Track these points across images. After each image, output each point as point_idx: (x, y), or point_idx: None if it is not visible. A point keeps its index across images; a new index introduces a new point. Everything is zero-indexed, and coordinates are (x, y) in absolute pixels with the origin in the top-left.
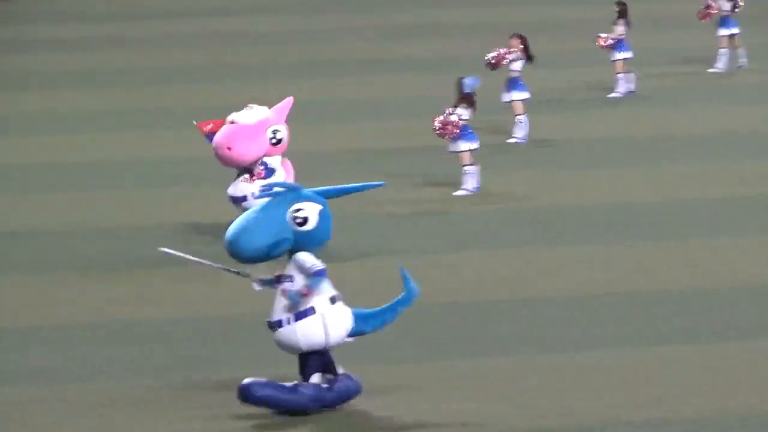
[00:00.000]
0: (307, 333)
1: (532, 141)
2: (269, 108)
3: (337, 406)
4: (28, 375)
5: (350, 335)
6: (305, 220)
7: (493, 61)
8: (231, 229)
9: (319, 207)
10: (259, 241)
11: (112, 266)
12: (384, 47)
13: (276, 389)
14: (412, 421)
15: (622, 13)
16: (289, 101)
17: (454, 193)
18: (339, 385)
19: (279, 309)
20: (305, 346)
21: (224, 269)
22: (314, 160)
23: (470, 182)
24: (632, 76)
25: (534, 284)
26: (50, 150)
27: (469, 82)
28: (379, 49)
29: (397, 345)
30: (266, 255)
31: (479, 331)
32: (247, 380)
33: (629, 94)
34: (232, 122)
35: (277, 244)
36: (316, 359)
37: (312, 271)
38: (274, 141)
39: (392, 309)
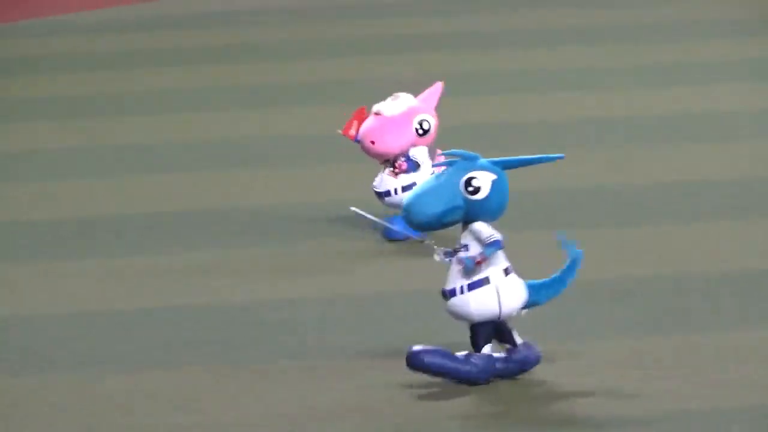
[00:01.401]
0: (480, 303)
1: None
2: (416, 96)
3: (517, 376)
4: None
5: (525, 307)
6: (477, 189)
7: None
8: (409, 195)
9: (493, 177)
10: (433, 207)
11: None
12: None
13: (445, 357)
14: (592, 389)
15: None
16: (437, 87)
17: None
18: (516, 356)
19: (453, 277)
20: (477, 317)
21: (407, 236)
22: (492, 132)
23: None
24: None
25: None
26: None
27: None
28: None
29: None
30: (439, 222)
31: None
32: (416, 347)
33: None
34: (376, 113)
35: (449, 211)
36: (487, 330)
37: (488, 240)
38: (420, 132)
39: (562, 278)
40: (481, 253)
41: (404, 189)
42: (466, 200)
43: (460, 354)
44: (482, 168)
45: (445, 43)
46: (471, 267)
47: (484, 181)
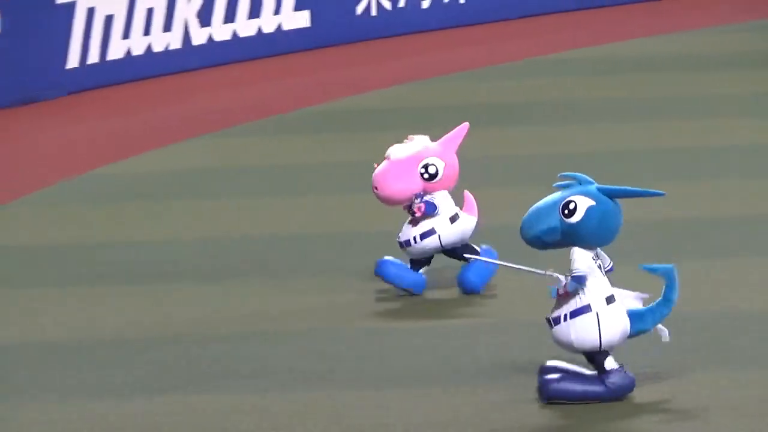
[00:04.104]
0: (581, 331)
1: None
2: (435, 139)
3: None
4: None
5: (631, 335)
6: (571, 212)
7: None
8: (525, 215)
9: (591, 203)
10: (535, 227)
11: None
12: None
13: (573, 382)
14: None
15: None
16: (462, 129)
17: None
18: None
19: (558, 305)
20: (578, 345)
21: (528, 271)
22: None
23: None
24: None
25: None
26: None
27: None
28: None
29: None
30: (540, 241)
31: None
32: (547, 376)
33: None
34: (387, 157)
35: (546, 232)
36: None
37: (573, 272)
38: (426, 176)
39: (665, 301)
40: (564, 285)
41: (422, 237)
42: (563, 222)
43: (589, 372)
44: (584, 193)
45: None
46: (553, 296)
47: (581, 205)
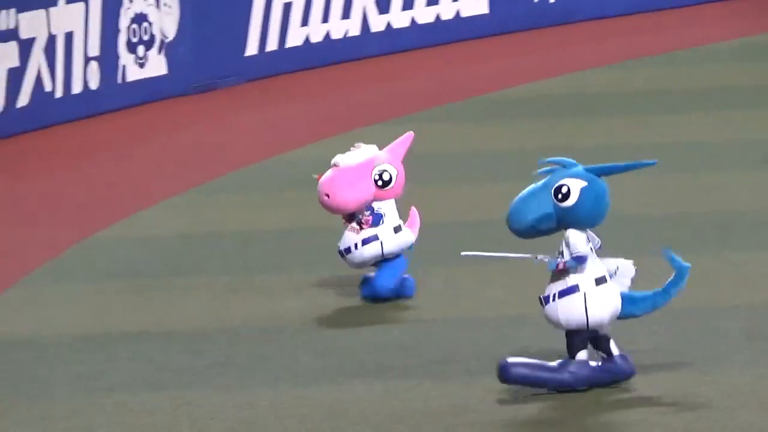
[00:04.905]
0: (568, 311)
1: None
2: (382, 147)
3: (611, 385)
4: None
5: (619, 317)
6: (566, 196)
7: None
8: (510, 205)
9: (583, 183)
10: (528, 215)
11: None
12: None
13: (534, 368)
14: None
15: None
16: (408, 137)
17: None
18: (610, 366)
19: (549, 285)
20: (565, 324)
21: (516, 257)
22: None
23: None
24: None
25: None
26: None
27: None
28: None
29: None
30: (534, 229)
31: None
32: (506, 359)
33: None
34: (334, 165)
35: (541, 218)
36: (580, 337)
37: (574, 253)
38: (380, 183)
39: (665, 291)
40: (565, 262)
41: (364, 243)
42: (557, 207)
43: (553, 363)
44: (574, 175)
45: None
46: (553, 269)
47: (574, 188)
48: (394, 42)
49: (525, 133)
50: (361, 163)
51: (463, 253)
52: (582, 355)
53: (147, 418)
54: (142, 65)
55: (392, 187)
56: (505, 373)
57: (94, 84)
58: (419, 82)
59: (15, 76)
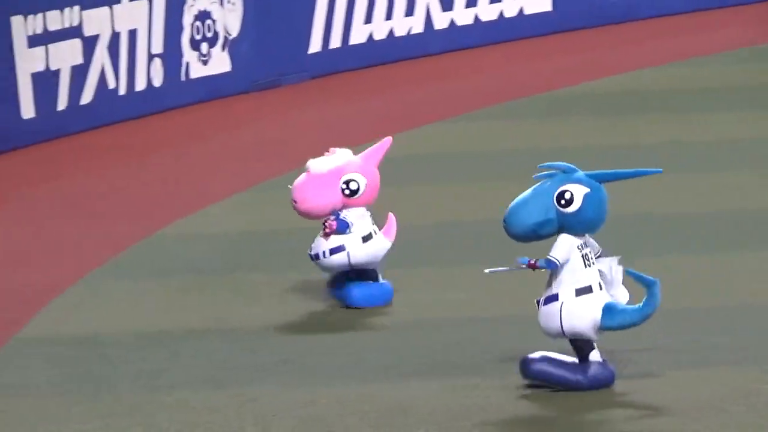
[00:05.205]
0: (547, 319)
1: None
2: (358, 153)
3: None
4: None
5: (602, 329)
6: (568, 202)
7: None
8: (508, 208)
9: (586, 190)
10: (527, 220)
11: None
12: None
13: (553, 365)
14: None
15: None
16: (384, 143)
17: None
18: (588, 372)
19: (544, 290)
20: (546, 332)
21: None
22: None
23: None
24: None
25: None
26: None
27: None
28: None
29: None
30: (534, 234)
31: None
32: (531, 354)
33: None
34: (306, 171)
35: (542, 224)
36: (582, 339)
37: (550, 257)
38: (347, 192)
39: (641, 310)
40: (536, 260)
41: (332, 252)
42: (559, 213)
43: (571, 360)
44: (576, 181)
45: None
46: (523, 266)
47: (577, 194)
48: (457, 40)
49: (588, 131)
50: (331, 170)
51: (487, 270)
52: (595, 355)
53: (209, 416)
54: (205, 62)
55: (360, 195)
56: (524, 368)
57: (157, 81)
58: (481, 79)
59: (78, 74)
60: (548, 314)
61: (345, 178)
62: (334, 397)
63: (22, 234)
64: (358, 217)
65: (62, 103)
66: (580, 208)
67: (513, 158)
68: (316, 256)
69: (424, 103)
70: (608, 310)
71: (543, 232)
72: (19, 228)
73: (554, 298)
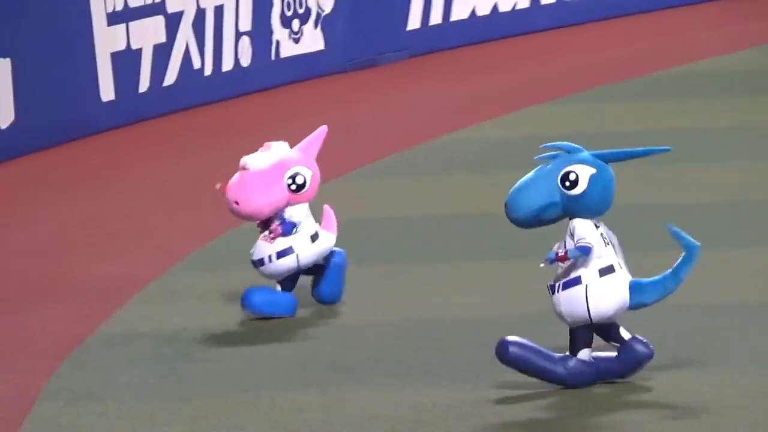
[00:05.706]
0: (570, 304)
1: None
2: (293, 145)
3: (627, 377)
4: None
5: (631, 308)
6: (574, 184)
7: None
8: (510, 191)
9: (592, 170)
10: (530, 203)
11: None
12: None
13: (535, 353)
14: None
15: None
16: (320, 132)
17: None
18: (627, 353)
19: (557, 274)
20: (569, 319)
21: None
22: None
23: None
24: None
25: None
26: None
27: None
28: None
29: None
30: (537, 218)
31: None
32: (509, 337)
33: None
34: (242, 168)
35: (546, 207)
36: (584, 331)
37: (578, 242)
38: (293, 187)
39: (674, 274)
40: (566, 251)
41: (279, 256)
42: (563, 196)
43: (558, 354)
44: (581, 162)
45: None
46: (552, 260)
47: (582, 175)
48: (564, 16)
49: (717, 112)
50: (273, 165)
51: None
52: (584, 354)
53: (299, 416)
54: (297, 40)
55: (306, 190)
56: (501, 351)
57: (245, 61)
58: (589, 58)
59: (161, 53)
60: (571, 299)
61: (290, 172)
62: (431, 398)
63: (101, 224)
64: (305, 216)
65: (144, 85)
66: (585, 190)
67: (622, 141)
68: (261, 262)
69: (529, 82)
70: (636, 286)
71: (546, 217)
72: (99, 218)
73: (576, 281)
